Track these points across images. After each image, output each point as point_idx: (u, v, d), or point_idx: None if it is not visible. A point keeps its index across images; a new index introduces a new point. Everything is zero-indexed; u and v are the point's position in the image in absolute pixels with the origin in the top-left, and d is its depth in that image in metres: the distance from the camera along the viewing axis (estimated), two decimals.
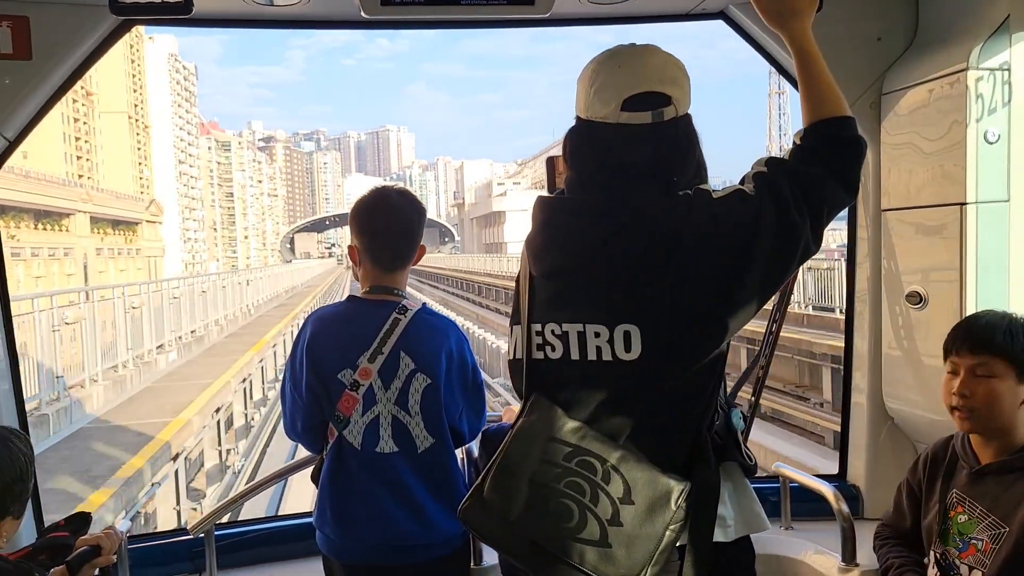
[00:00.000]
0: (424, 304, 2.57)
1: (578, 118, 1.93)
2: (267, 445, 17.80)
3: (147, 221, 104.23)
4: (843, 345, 3.37)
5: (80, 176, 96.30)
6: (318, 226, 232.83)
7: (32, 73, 2.60)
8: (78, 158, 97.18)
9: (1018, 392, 2.15)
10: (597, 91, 1.86)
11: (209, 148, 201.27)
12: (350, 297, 2.59)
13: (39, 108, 2.70)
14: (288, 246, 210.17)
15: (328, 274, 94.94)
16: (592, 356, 1.82)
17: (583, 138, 1.92)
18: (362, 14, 2.54)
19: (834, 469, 3.43)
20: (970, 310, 2.63)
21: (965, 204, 2.65)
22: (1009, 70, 2.61)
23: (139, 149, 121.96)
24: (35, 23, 2.59)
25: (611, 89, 1.84)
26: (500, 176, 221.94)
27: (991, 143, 2.62)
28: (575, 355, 1.84)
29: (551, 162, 2.18)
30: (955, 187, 2.67)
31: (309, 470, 2.64)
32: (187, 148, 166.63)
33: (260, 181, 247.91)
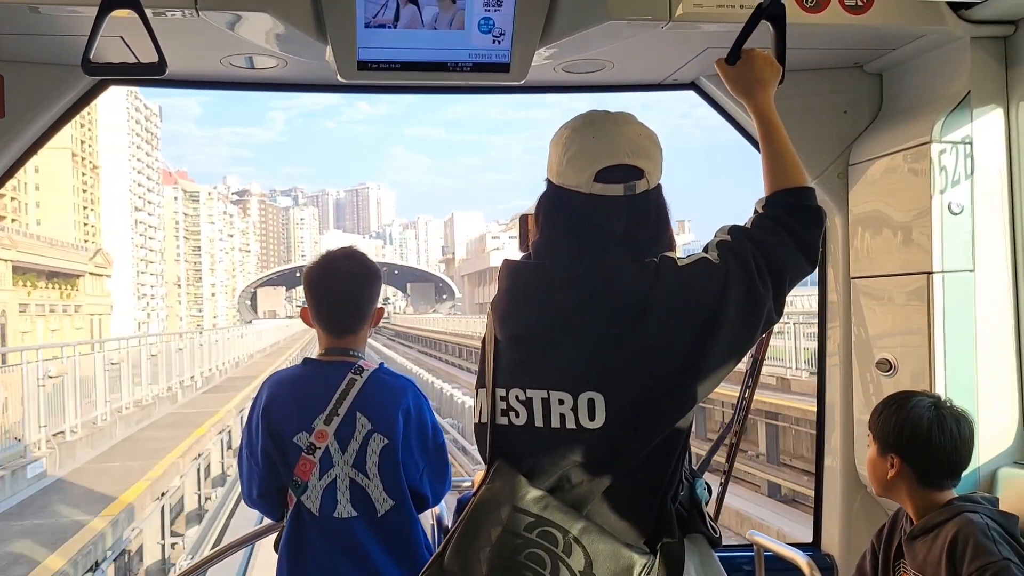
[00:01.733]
0: (382, 364, 2.56)
1: (549, 182, 1.93)
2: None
3: (91, 274, 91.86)
4: (793, 406, 3.38)
5: (1, 218, 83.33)
6: (287, 279, 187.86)
7: (5, 130, 2.59)
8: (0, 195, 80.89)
9: (881, 462, 2.34)
10: (570, 160, 1.87)
11: (176, 198, 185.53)
12: (306, 360, 2.57)
13: (11, 165, 2.68)
14: (248, 303, 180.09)
15: (294, 339, 73.80)
16: (556, 424, 1.79)
17: (554, 204, 1.92)
18: (339, 78, 2.56)
19: (776, 519, 3.40)
20: (938, 378, 2.66)
21: (932, 273, 2.69)
22: (971, 143, 2.68)
23: (85, 192, 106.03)
24: (9, 82, 2.59)
25: (584, 160, 1.85)
26: (495, 230, 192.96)
27: (955, 214, 2.67)
28: (539, 422, 1.81)
29: (524, 220, 2.19)
30: (921, 256, 2.72)
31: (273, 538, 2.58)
32: (146, 195, 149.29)
33: (231, 235, 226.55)
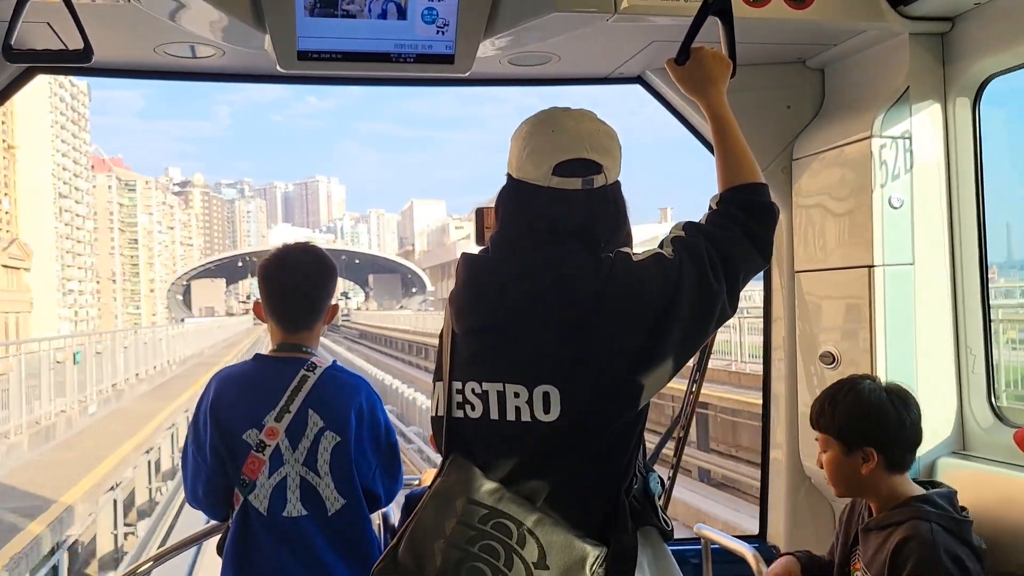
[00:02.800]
0: (335, 361, 2.52)
1: (510, 177, 1.95)
2: None
3: (4, 266, 78.27)
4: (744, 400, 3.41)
5: None
6: (228, 270, 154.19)
7: None
8: None
9: (847, 462, 2.30)
10: (530, 153, 1.88)
11: (110, 187, 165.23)
12: (256, 355, 2.52)
13: None
14: (179, 298, 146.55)
15: (228, 346, 53.35)
16: (511, 416, 1.81)
17: (513, 197, 1.93)
18: (278, 68, 2.50)
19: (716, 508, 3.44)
20: (879, 370, 2.70)
21: (873, 267, 2.72)
22: (910, 138, 2.72)
23: None
24: None
25: (543, 153, 1.87)
26: (459, 220, 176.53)
27: (895, 208, 2.71)
28: (494, 415, 1.83)
29: (480, 213, 2.18)
30: (863, 250, 2.75)
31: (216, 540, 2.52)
32: (72, 180, 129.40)
33: (172, 227, 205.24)
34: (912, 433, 2.29)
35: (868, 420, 2.27)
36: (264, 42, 2.48)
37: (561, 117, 1.91)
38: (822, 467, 2.36)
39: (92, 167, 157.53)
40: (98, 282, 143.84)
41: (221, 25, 2.46)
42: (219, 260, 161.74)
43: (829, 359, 2.91)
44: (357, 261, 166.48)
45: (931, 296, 2.77)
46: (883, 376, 2.71)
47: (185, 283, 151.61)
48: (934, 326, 2.77)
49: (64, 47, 2.41)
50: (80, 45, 1.93)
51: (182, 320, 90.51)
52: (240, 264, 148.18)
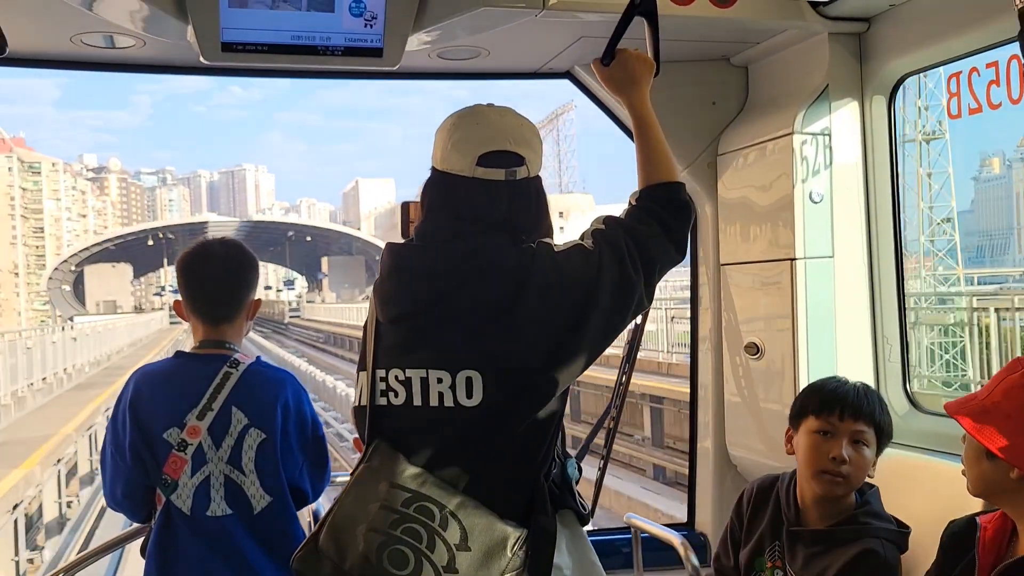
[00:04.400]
0: (259, 357, 2.48)
1: (434, 169, 1.98)
2: None
3: None
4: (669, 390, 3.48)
5: None
6: (133, 253, 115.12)
7: None
8: None
9: (873, 460, 2.24)
10: (455, 144, 1.92)
11: (10, 169, 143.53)
12: (178, 352, 2.47)
13: None
14: (67, 288, 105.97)
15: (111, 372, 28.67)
16: (434, 402, 1.85)
17: (438, 188, 1.96)
18: (201, 60, 2.45)
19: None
20: (802, 361, 2.78)
21: (794, 260, 2.80)
22: (830, 135, 2.81)
23: None
24: None
25: (468, 144, 1.91)
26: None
27: (816, 203, 2.79)
28: (417, 401, 1.86)
29: (405, 207, 2.19)
30: (785, 244, 2.83)
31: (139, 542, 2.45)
32: None
33: (84, 215, 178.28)
34: None
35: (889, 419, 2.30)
36: (187, 33, 2.42)
37: (486, 111, 1.96)
38: (845, 461, 2.18)
39: None
40: None
41: (141, 15, 2.40)
42: (121, 238, 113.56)
43: (753, 350, 2.99)
44: (309, 239, 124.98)
45: (850, 288, 2.86)
46: (805, 366, 2.80)
47: (74, 269, 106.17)
48: (852, 316, 2.87)
49: None
50: None
51: (70, 319, 63.98)
52: (151, 243, 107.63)
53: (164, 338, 52.42)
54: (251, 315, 2.50)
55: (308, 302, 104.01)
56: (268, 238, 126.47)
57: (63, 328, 30.34)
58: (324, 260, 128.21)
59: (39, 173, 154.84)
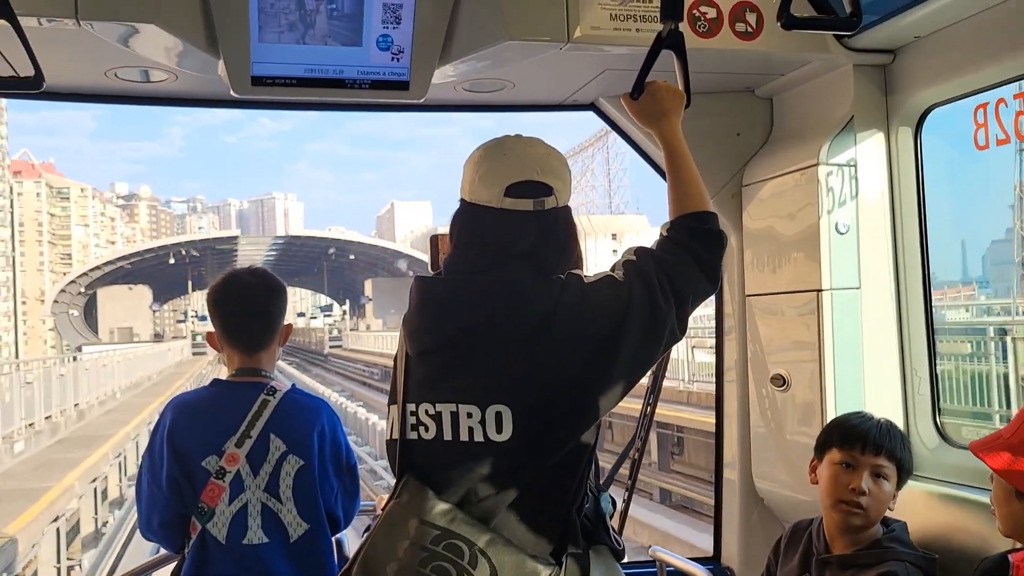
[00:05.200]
0: (294, 384, 2.51)
1: (463, 200, 1.98)
2: None
3: None
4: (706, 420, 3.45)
5: None
6: (152, 274, 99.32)
7: None
8: None
9: (893, 494, 2.31)
10: (482, 176, 1.92)
11: (38, 195, 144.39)
12: (215, 381, 2.51)
13: None
14: (75, 313, 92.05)
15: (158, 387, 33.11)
16: (464, 437, 1.83)
17: (466, 220, 1.97)
18: (232, 93, 2.49)
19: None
20: (829, 393, 2.75)
21: (821, 291, 2.78)
22: (855, 166, 2.80)
23: None
24: None
25: (495, 176, 1.91)
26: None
27: (842, 234, 2.78)
28: (448, 435, 1.84)
29: (435, 240, 2.21)
30: (811, 274, 2.81)
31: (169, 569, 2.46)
32: None
33: (113, 242, 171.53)
34: None
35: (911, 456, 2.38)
36: (218, 67, 2.47)
37: (513, 143, 1.97)
38: (864, 493, 2.25)
39: (19, 172, 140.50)
40: (24, 302, 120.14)
41: (175, 50, 2.45)
42: (137, 255, 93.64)
43: (779, 381, 2.96)
44: (352, 257, 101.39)
45: (877, 319, 2.83)
46: (832, 399, 2.78)
47: (84, 291, 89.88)
48: (880, 348, 2.84)
49: (12, 71, 2.38)
50: (29, 70, 1.90)
51: (78, 349, 57.10)
52: (172, 261, 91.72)
53: (185, 371, 43.77)
54: (283, 341, 2.54)
55: (352, 330, 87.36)
56: (305, 256, 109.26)
57: (57, 362, 24.28)
58: (367, 283, 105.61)
59: (68, 199, 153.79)
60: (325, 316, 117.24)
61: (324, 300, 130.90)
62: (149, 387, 33.44)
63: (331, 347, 77.11)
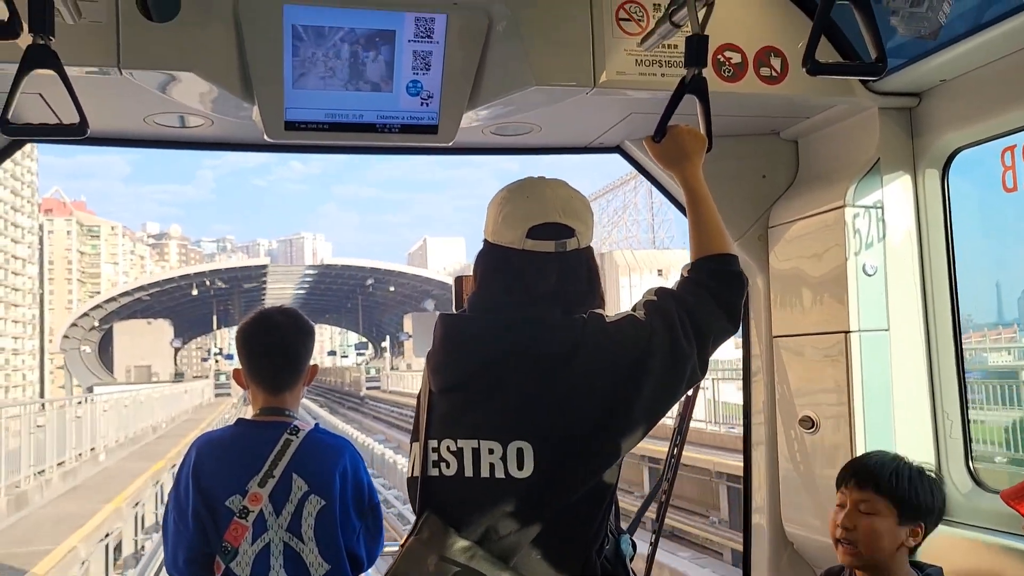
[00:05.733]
0: (317, 424, 2.53)
1: (486, 241, 2.02)
2: None
3: None
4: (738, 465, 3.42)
5: None
6: (174, 309, 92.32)
7: None
8: None
9: (897, 533, 2.24)
10: (505, 218, 1.96)
11: (69, 232, 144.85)
12: (239, 420, 2.54)
13: None
14: (87, 350, 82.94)
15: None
16: (485, 473, 1.84)
17: (489, 260, 2.00)
18: (265, 137, 2.55)
19: None
20: (858, 436, 2.72)
21: (849, 332, 2.77)
22: (882, 208, 2.80)
23: None
24: None
25: (518, 217, 1.94)
26: None
27: (869, 275, 2.77)
28: (469, 472, 1.85)
29: (459, 281, 2.23)
30: (839, 316, 2.80)
31: None
32: (9, 214, 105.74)
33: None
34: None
35: (932, 496, 2.28)
36: (252, 112, 2.53)
37: (536, 184, 2.00)
38: (849, 529, 2.27)
39: (50, 210, 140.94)
40: (51, 340, 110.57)
41: (211, 96, 2.51)
42: (156, 286, 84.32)
43: (808, 424, 2.94)
44: (392, 289, 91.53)
45: (907, 361, 2.81)
46: (862, 441, 2.75)
47: (98, 325, 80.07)
48: (910, 391, 2.81)
49: (57, 118, 2.46)
50: (74, 118, 1.97)
51: (89, 390, 52.03)
52: (195, 292, 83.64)
53: (203, 416, 37.89)
54: (308, 381, 2.57)
55: (392, 369, 78.88)
56: (338, 290, 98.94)
57: (36, 408, 19.13)
58: (407, 318, 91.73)
59: (98, 237, 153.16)
60: (358, 354, 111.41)
61: (356, 337, 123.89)
62: (151, 441, 26.25)
63: (368, 388, 70.48)
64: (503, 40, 2.52)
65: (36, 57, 1.87)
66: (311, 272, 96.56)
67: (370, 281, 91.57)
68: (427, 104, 2.60)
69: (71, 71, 1.96)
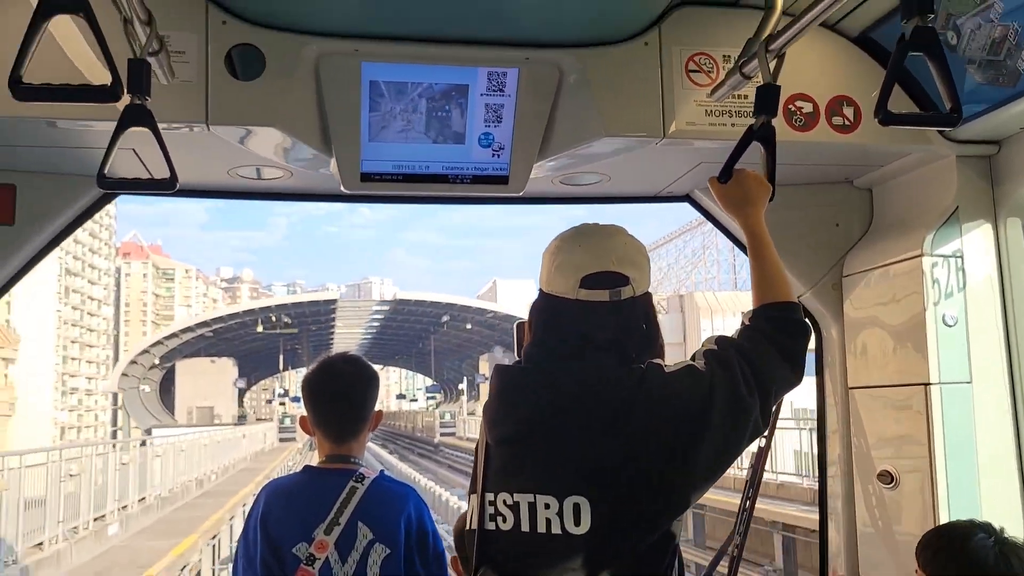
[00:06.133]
0: (382, 471, 2.55)
1: (541, 291, 2.00)
2: None
3: None
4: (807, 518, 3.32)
5: None
6: (239, 344, 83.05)
7: (12, 238, 2.64)
8: None
9: None
10: (558, 267, 1.94)
11: (144, 275, 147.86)
12: (306, 467, 2.57)
13: (15, 272, 2.71)
14: (147, 389, 72.45)
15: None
16: (542, 528, 1.79)
17: (543, 311, 1.98)
18: (342, 188, 2.63)
19: None
20: (940, 493, 2.63)
21: (929, 385, 2.69)
22: (962, 257, 2.73)
23: None
24: (21, 191, 2.65)
25: (571, 267, 1.92)
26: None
27: (950, 326, 2.70)
28: (525, 527, 1.81)
29: (520, 327, 2.24)
30: (918, 367, 2.73)
31: None
32: (86, 256, 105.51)
33: None
34: None
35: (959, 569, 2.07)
36: (330, 165, 2.61)
37: (590, 232, 1.97)
38: None
39: (128, 254, 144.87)
40: (107, 379, 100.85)
41: (291, 149, 2.60)
42: (220, 321, 76.47)
43: (887, 478, 2.85)
44: (469, 327, 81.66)
45: (992, 415, 2.71)
46: (944, 497, 2.65)
47: (158, 363, 72.62)
48: (996, 445, 2.71)
49: (148, 172, 2.59)
50: (165, 172, 2.06)
51: (147, 432, 50.39)
52: (260, 328, 75.43)
53: (262, 466, 32.33)
54: (373, 427, 2.59)
55: (470, 414, 70.96)
56: (410, 329, 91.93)
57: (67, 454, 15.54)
58: (482, 359, 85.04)
59: (172, 280, 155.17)
60: (429, 398, 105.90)
61: (424, 380, 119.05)
62: (192, 501, 22.01)
63: (443, 434, 64.95)
64: (573, 92, 2.55)
65: (133, 116, 1.97)
66: (383, 307, 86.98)
67: (446, 317, 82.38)
68: (498, 155, 2.65)
69: (163, 128, 2.06)
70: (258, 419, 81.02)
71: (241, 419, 76.85)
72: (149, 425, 59.14)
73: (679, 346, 34.68)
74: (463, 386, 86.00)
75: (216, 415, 71.67)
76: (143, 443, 20.57)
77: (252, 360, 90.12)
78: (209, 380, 75.00)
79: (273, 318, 77.24)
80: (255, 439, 44.13)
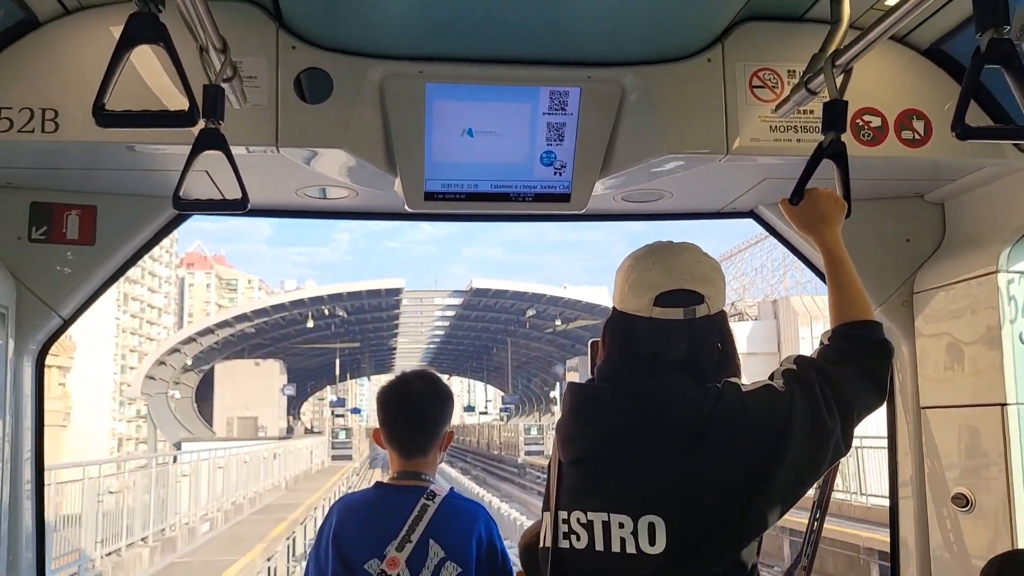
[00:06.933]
0: (452, 488, 2.55)
1: (614, 309, 1.99)
2: None
3: None
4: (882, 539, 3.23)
5: None
6: (287, 345, 63.82)
7: (92, 257, 2.75)
8: None
9: None
10: (632, 285, 1.93)
11: (208, 286, 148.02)
12: (377, 483, 2.58)
13: (94, 290, 2.82)
14: (177, 395, 55.59)
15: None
16: (616, 548, 1.78)
17: (617, 329, 1.97)
18: (406, 207, 2.67)
19: None
20: (1019, 517, 2.54)
21: (1006, 405, 2.60)
22: None
23: None
24: (101, 212, 2.76)
25: (644, 285, 1.91)
26: None
27: None
28: (599, 546, 1.80)
29: (594, 345, 2.24)
30: (994, 387, 2.64)
31: None
32: (145, 262, 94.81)
33: None
34: None
35: None
36: (394, 184, 2.65)
37: (663, 250, 1.96)
38: None
39: (191, 264, 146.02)
40: (128, 385, 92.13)
41: (356, 170, 2.65)
42: (262, 312, 59.75)
43: (963, 501, 2.76)
44: (558, 323, 62.52)
45: None
46: (1022, 521, 2.56)
47: (190, 365, 58.66)
48: None
49: (220, 193, 2.67)
50: (236, 194, 2.12)
51: (177, 446, 43.16)
52: (310, 324, 59.81)
53: (299, 500, 24.80)
54: (444, 447, 2.60)
55: (548, 429, 54.59)
56: (485, 329, 73.93)
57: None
58: (567, 367, 63.44)
59: (235, 290, 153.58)
60: (502, 410, 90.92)
61: (487, 390, 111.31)
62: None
63: (527, 452, 52.02)
64: (635, 110, 2.55)
65: (207, 140, 2.04)
66: (455, 300, 69.74)
67: (530, 311, 64.67)
68: (560, 173, 2.66)
69: (235, 151, 2.13)
70: (306, 431, 72.22)
71: (289, 431, 65.63)
72: (180, 438, 49.81)
73: (772, 356, 31.63)
74: (555, 393, 71.60)
75: (261, 426, 59.45)
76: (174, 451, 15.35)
77: (304, 365, 75.99)
78: (252, 386, 60.63)
79: (326, 311, 61.47)
80: (300, 455, 35.82)
